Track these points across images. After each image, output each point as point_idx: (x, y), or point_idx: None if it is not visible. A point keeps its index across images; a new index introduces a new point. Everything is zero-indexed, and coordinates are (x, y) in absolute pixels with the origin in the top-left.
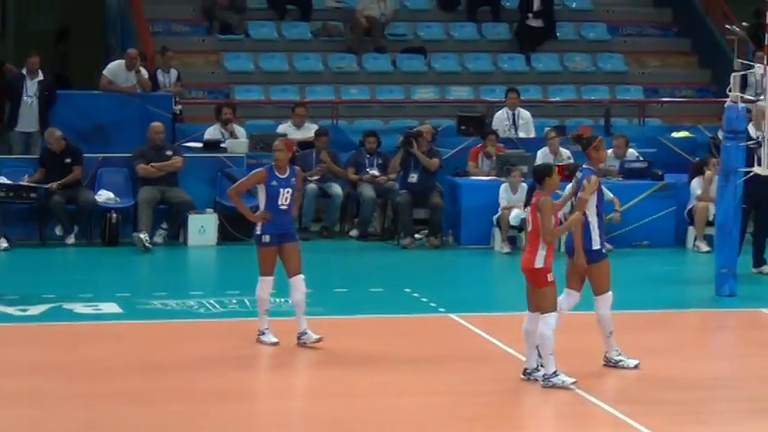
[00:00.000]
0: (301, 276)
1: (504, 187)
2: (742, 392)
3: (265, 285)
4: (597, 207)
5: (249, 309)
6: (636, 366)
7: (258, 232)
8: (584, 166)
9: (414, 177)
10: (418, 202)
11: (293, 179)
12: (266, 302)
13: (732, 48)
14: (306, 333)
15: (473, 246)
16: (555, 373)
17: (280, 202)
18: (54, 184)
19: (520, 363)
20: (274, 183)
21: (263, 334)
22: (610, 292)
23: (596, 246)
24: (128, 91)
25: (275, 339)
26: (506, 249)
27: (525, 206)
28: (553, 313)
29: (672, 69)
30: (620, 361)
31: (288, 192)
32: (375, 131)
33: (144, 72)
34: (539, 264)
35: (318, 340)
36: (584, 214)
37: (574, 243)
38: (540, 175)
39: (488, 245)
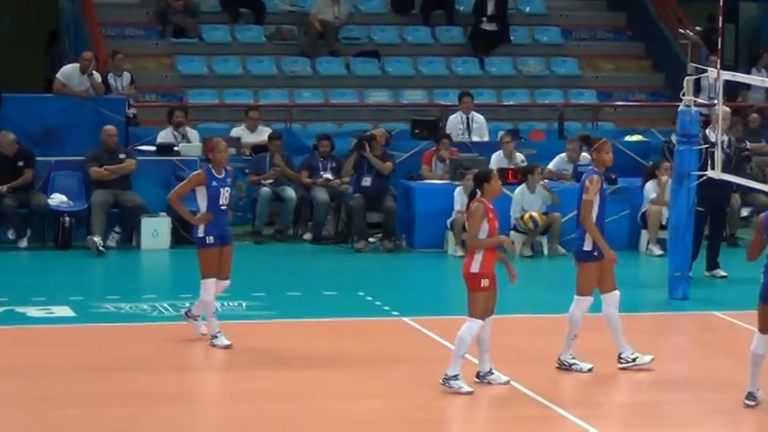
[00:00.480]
0: (228, 282)
1: (458, 191)
2: (695, 394)
3: (211, 288)
4: (598, 207)
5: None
6: (590, 370)
7: (201, 234)
8: (589, 167)
9: (367, 181)
10: (372, 205)
11: (229, 179)
12: (214, 305)
13: (686, 52)
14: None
15: (426, 249)
16: (456, 376)
17: (221, 202)
18: (4, 187)
19: (473, 366)
20: (215, 183)
21: (216, 337)
22: (590, 297)
23: (587, 247)
24: (81, 95)
25: (228, 342)
26: (460, 253)
27: (467, 210)
28: (479, 321)
29: (625, 73)
30: (574, 364)
31: (227, 191)
32: (329, 135)
33: (97, 75)
34: (474, 269)
35: (228, 347)
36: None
37: (578, 249)
38: (479, 181)
39: (442, 248)
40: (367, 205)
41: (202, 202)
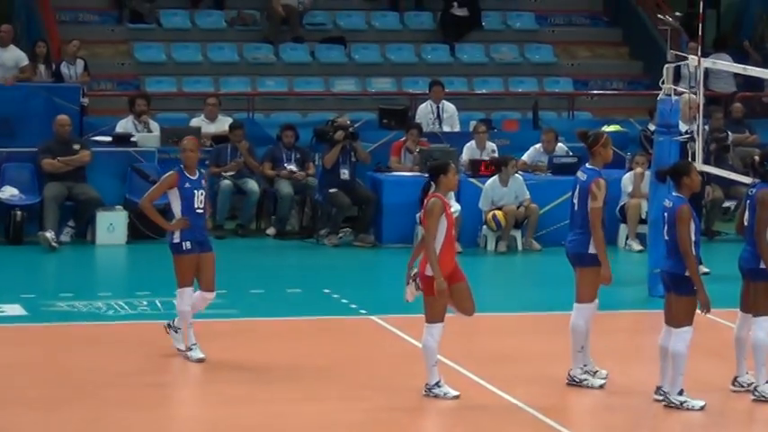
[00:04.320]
0: (214, 295)
1: None
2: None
3: (187, 297)
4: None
5: (160, 311)
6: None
7: (177, 240)
8: (586, 165)
9: (345, 174)
10: (351, 198)
11: (203, 181)
12: (190, 315)
13: (665, 38)
14: (177, 328)
15: (395, 245)
16: (437, 383)
17: (196, 205)
18: None
19: (441, 365)
20: (188, 185)
21: (191, 350)
22: (591, 304)
23: (593, 250)
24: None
25: (202, 355)
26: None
27: (420, 205)
28: (439, 324)
29: (602, 60)
30: (585, 380)
31: (202, 194)
32: (293, 125)
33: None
34: (428, 272)
35: (201, 360)
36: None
37: (580, 252)
38: (434, 172)
39: (411, 244)
40: (347, 199)
41: (176, 205)
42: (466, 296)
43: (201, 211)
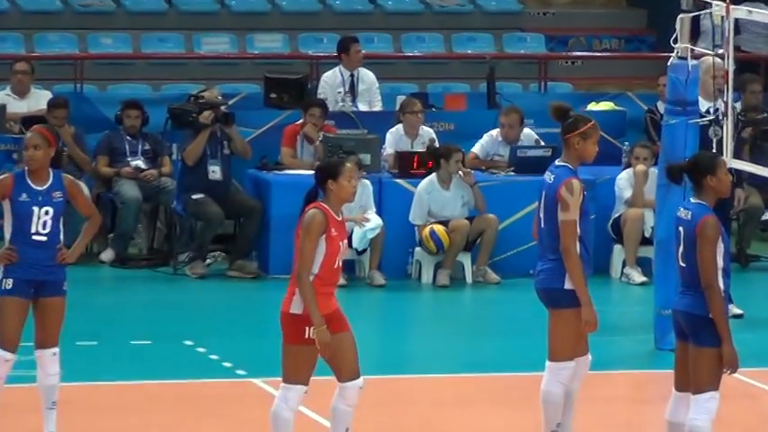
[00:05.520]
0: (54, 351)
1: None
2: None
3: (4, 366)
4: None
5: None
6: None
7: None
8: (556, 162)
9: (216, 172)
10: (224, 208)
11: (58, 193)
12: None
13: None
14: None
15: (287, 276)
16: None
17: (33, 230)
18: None
19: None
20: (24, 197)
21: None
22: (571, 362)
23: (569, 285)
24: None
25: None
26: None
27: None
28: (299, 387)
29: (588, 9)
30: None
31: (48, 213)
32: (139, 102)
33: None
34: (295, 308)
35: None
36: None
37: (552, 287)
38: (321, 176)
39: None
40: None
41: (7, 225)
42: (350, 352)
43: (44, 237)
